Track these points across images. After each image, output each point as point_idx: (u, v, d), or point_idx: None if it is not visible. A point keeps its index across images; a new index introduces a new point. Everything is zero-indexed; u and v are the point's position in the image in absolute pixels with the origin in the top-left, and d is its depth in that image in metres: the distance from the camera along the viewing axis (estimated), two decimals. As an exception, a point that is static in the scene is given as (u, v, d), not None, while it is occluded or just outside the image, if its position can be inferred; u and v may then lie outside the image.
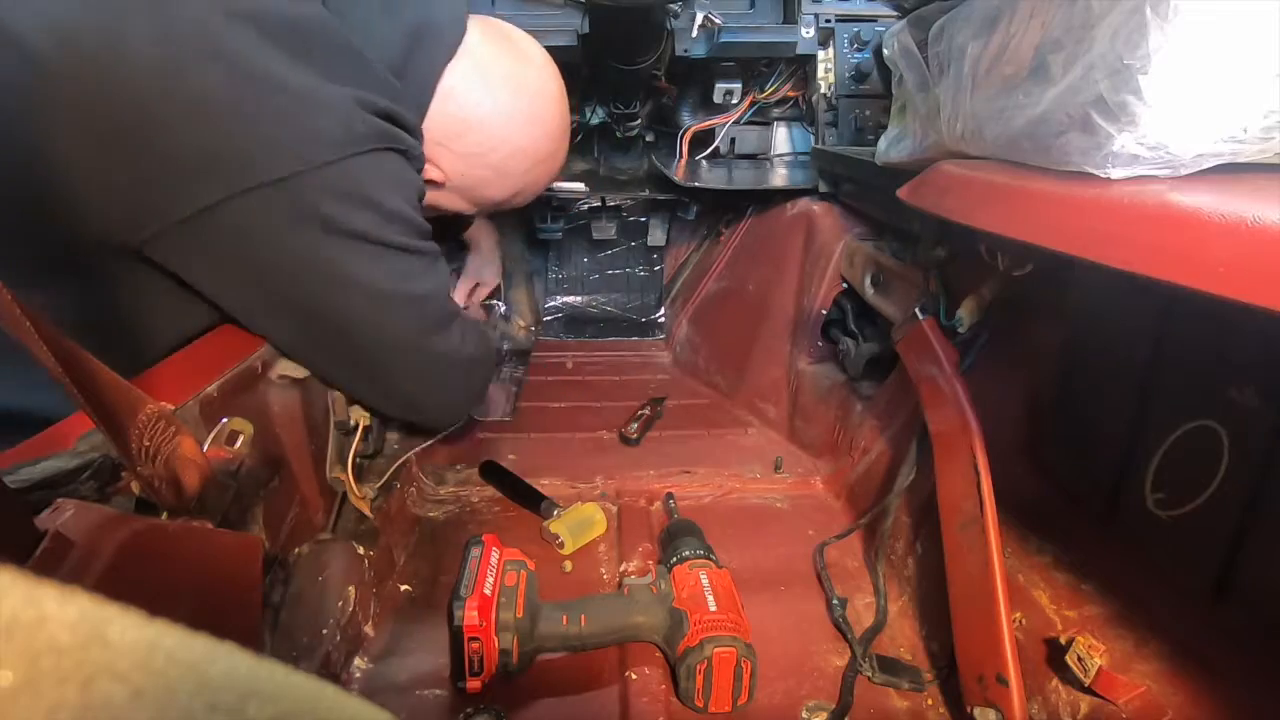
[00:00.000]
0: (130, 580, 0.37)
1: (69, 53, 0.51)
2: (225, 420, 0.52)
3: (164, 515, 0.44)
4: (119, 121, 0.52)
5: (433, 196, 0.75)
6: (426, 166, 0.71)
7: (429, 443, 0.92)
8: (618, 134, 1.29)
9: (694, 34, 1.05)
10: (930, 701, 0.65)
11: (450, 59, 0.69)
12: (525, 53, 0.75)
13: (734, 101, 1.22)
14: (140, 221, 0.55)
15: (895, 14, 0.72)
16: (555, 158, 0.81)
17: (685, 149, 1.26)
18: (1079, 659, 0.52)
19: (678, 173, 1.20)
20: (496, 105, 0.72)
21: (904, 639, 0.72)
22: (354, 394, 0.73)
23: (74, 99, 0.52)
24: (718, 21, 1.04)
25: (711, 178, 1.20)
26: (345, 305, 0.63)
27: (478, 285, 1.19)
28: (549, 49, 1.03)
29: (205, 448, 0.49)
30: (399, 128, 0.63)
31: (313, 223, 0.58)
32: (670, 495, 0.90)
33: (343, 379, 0.71)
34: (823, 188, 1.12)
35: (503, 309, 1.43)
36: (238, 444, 0.52)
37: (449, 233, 1.10)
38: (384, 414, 0.78)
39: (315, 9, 0.60)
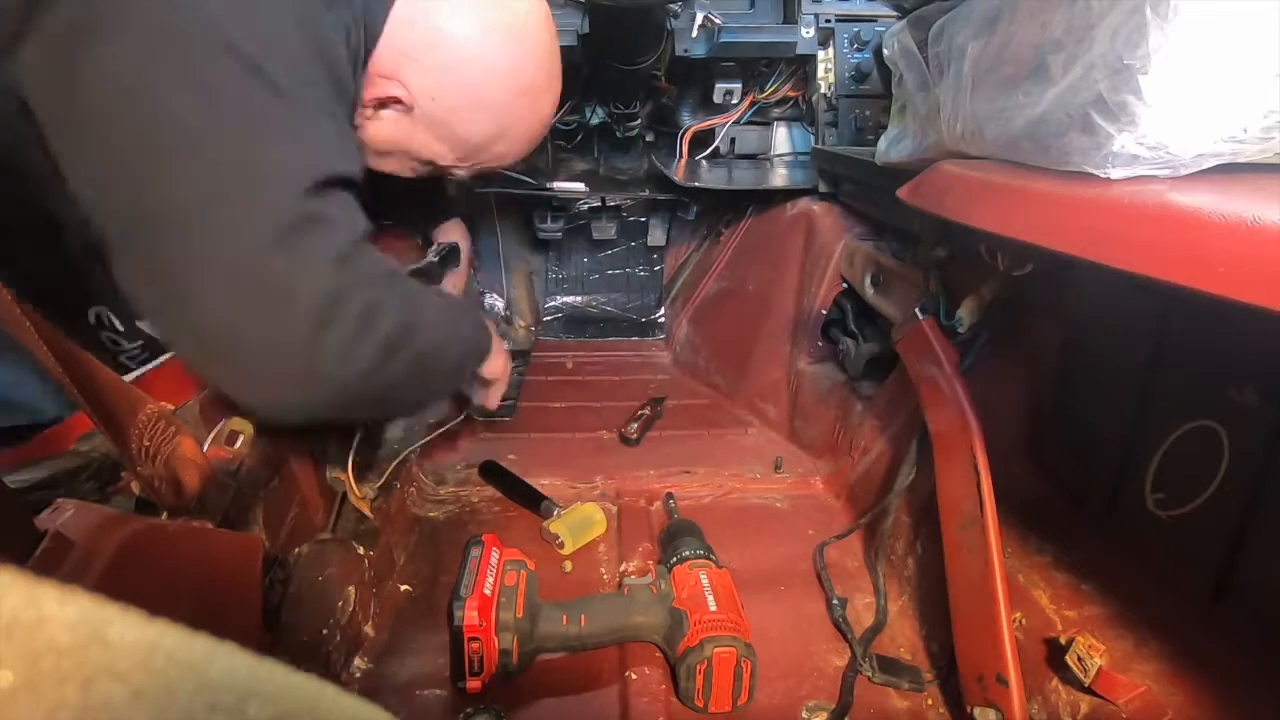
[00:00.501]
0: (130, 580, 0.37)
1: None
2: (225, 420, 0.52)
3: (164, 515, 0.44)
4: None
5: (403, 134, 0.65)
6: (388, 83, 0.62)
7: (428, 438, 0.92)
8: (618, 134, 1.29)
9: (694, 34, 1.05)
10: (930, 701, 0.65)
11: None
12: None
13: (734, 101, 1.22)
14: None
15: (895, 14, 0.72)
16: (541, 93, 0.68)
17: (685, 149, 1.26)
18: (1079, 659, 0.52)
19: (678, 173, 1.20)
20: (473, 14, 0.62)
21: (904, 639, 0.72)
22: (149, 318, 0.53)
23: None
24: (718, 21, 1.04)
25: (711, 178, 1.20)
26: (149, 134, 0.45)
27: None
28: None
29: (205, 447, 0.49)
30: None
31: (133, 15, 0.44)
32: (670, 495, 0.90)
33: (147, 292, 0.47)
34: (823, 188, 1.12)
35: (503, 309, 1.43)
36: (238, 444, 0.52)
37: (421, 229, 1.05)
38: (183, 359, 0.53)
39: None
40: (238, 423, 0.53)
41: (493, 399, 0.84)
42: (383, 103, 0.63)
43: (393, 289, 0.54)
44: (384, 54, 0.60)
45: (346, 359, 0.50)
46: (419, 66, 0.62)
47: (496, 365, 0.78)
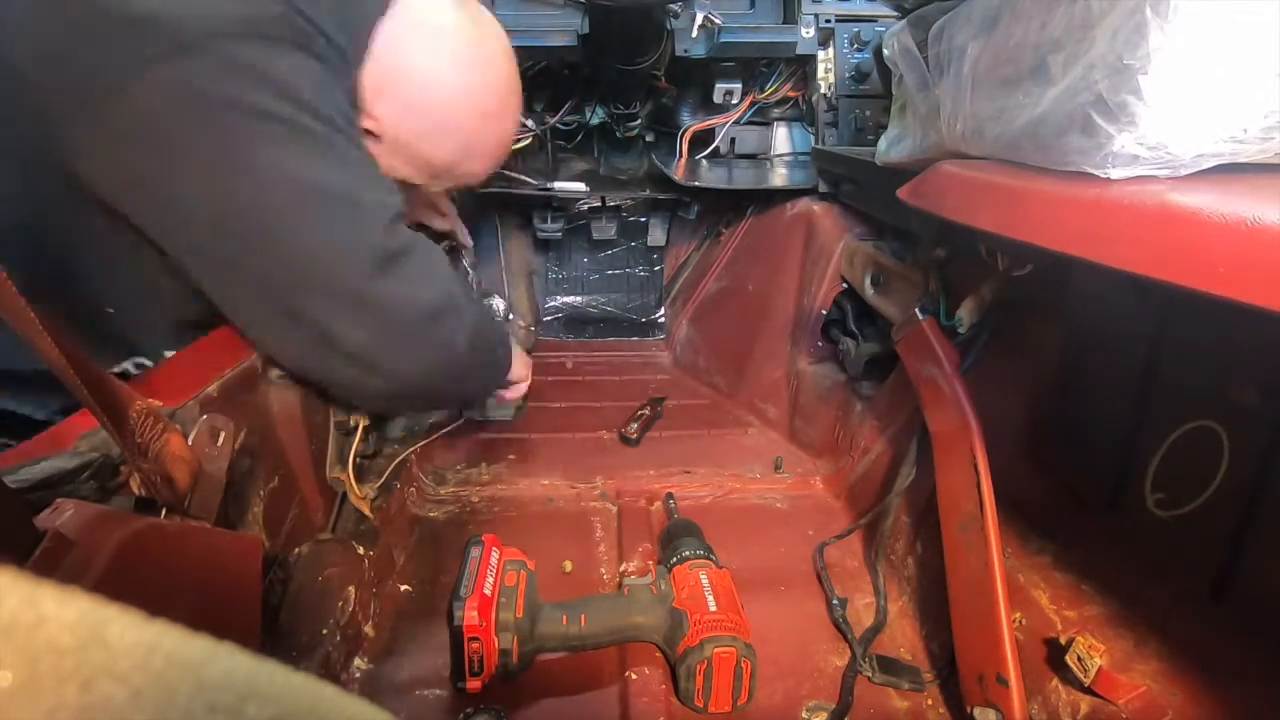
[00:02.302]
0: (130, 580, 0.37)
1: None
2: (205, 417, 0.52)
3: (162, 513, 0.45)
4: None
5: (377, 159, 0.69)
6: (362, 117, 0.66)
7: (429, 439, 0.92)
8: (618, 134, 1.29)
9: (694, 34, 1.05)
10: (930, 701, 0.65)
11: (386, 9, 0.65)
12: (469, 9, 0.71)
13: (734, 101, 1.22)
14: (65, 117, 0.52)
15: (895, 14, 0.72)
16: (502, 115, 0.74)
17: (685, 149, 1.26)
18: (1079, 659, 0.52)
19: (678, 172, 1.20)
20: (434, 49, 0.67)
21: (904, 639, 0.72)
22: (283, 358, 0.63)
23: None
24: (718, 21, 1.04)
25: (711, 177, 1.20)
26: (256, 202, 0.53)
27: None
28: (549, 49, 1.04)
29: (189, 444, 0.49)
30: (321, 37, 0.58)
31: (215, 100, 0.52)
32: (670, 495, 0.90)
33: (262, 323, 0.58)
34: (823, 188, 1.12)
35: (503, 308, 1.43)
36: (220, 440, 0.52)
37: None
38: (327, 387, 0.67)
39: None
40: (215, 419, 0.53)
41: (513, 394, 0.90)
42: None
43: (466, 290, 0.67)
44: (359, 91, 0.65)
45: (451, 346, 0.64)
46: (386, 100, 0.66)
47: (519, 366, 0.85)
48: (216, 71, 0.53)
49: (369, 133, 0.68)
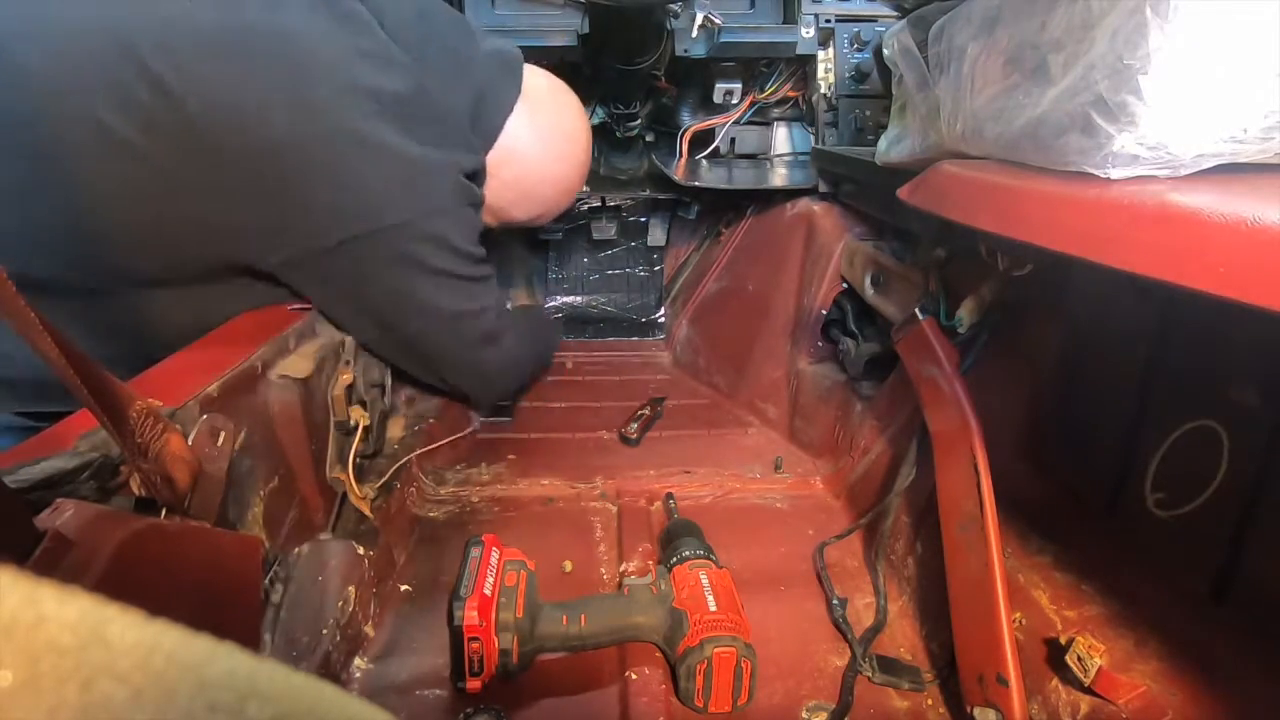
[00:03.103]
0: (130, 580, 0.37)
1: (214, 110, 0.63)
2: (205, 417, 0.52)
3: (162, 513, 0.45)
4: (256, 174, 0.65)
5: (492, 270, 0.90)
6: None
7: (434, 447, 0.93)
8: (618, 134, 1.29)
9: (694, 34, 1.05)
10: (930, 701, 0.65)
11: (510, 113, 0.83)
12: (566, 103, 0.92)
13: (734, 101, 1.22)
14: (272, 251, 0.70)
15: (895, 14, 0.72)
16: (573, 190, 0.97)
17: (685, 149, 1.26)
18: (1079, 659, 0.52)
19: (678, 172, 1.20)
20: (538, 145, 0.87)
21: (904, 639, 0.72)
22: (426, 380, 0.91)
23: (213, 147, 0.63)
24: (718, 21, 1.04)
25: (711, 177, 1.20)
26: (421, 322, 0.79)
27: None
28: (549, 49, 1.04)
29: (189, 444, 0.49)
30: (477, 184, 0.79)
31: (407, 261, 0.73)
32: (670, 495, 0.90)
33: (417, 374, 0.89)
34: (823, 188, 1.12)
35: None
36: (220, 440, 0.53)
37: None
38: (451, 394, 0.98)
39: (413, 82, 0.71)
40: (215, 419, 0.53)
41: None
42: None
43: (536, 340, 1.11)
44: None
45: (524, 380, 1.10)
46: (493, 179, 0.85)
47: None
48: (412, 238, 0.72)
49: None
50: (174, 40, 0.62)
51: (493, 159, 0.83)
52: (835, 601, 0.75)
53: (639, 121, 1.25)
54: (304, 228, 0.69)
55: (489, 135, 0.82)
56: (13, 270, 0.30)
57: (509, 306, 1.44)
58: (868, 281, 0.93)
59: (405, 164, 0.69)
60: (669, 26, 1.03)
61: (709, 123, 1.25)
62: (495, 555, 0.69)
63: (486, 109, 0.81)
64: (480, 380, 0.92)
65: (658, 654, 0.67)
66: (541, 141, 0.87)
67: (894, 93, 0.70)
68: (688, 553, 0.73)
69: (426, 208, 0.72)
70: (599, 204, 1.32)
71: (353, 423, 0.75)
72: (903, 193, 0.63)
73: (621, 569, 0.80)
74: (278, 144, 0.64)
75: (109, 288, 0.70)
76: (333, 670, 0.63)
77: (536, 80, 0.88)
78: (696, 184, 1.17)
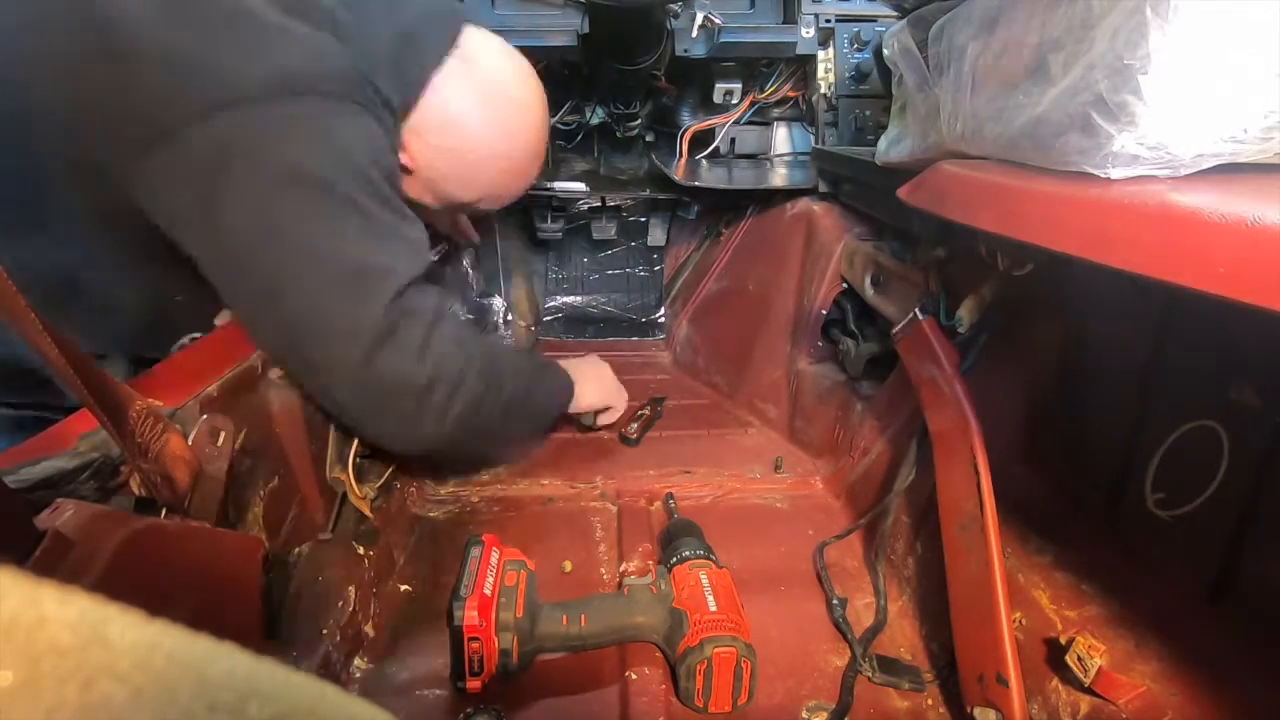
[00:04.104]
0: (130, 580, 0.37)
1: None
2: (205, 417, 0.52)
3: (163, 514, 0.45)
4: (106, 57, 0.55)
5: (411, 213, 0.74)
6: (400, 151, 0.72)
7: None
8: (618, 134, 1.29)
9: (694, 34, 1.05)
10: (930, 701, 0.65)
11: (439, 64, 0.72)
12: (517, 70, 0.79)
13: (734, 101, 1.22)
14: (118, 144, 0.57)
15: (895, 14, 0.72)
16: (525, 173, 0.84)
17: (685, 149, 1.26)
18: (1079, 659, 0.52)
19: (678, 172, 1.20)
20: (478, 111, 0.75)
21: (904, 639, 0.72)
22: (300, 381, 0.66)
23: (66, 36, 0.55)
24: (718, 21, 1.04)
25: (711, 177, 1.20)
26: (278, 258, 0.57)
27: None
28: (549, 49, 1.04)
29: (189, 444, 0.50)
30: (392, 116, 0.66)
31: (262, 157, 0.56)
32: (670, 495, 0.90)
33: (281, 359, 0.64)
34: (823, 188, 1.12)
35: (503, 308, 1.43)
36: (220, 440, 0.53)
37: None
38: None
39: None
40: (216, 419, 0.53)
41: (607, 419, 1.06)
42: None
43: (473, 356, 0.69)
44: (403, 128, 0.71)
45: (444, 419, 0.66)
46: (423, 142, 0.74)
47: (590, 399, 0.98)
48: (277, 123, 0.56)
49: (401, 166, 0.73)
50: None
51: (421, 117, 0.72)
52: (835, 601, 0.75)
53: (639, 121, 1.26)
54: (146, 108, 0.55)
55: (408, 81, 0.69)
56: None
57: (510, 317, 1.41)
58: (868, 281, 0.93)
59: (269, 30, 0.57)
60: (669, 26, 1.03)
61: (709, 123, 1.25)
62: (495, 555, 0.69)
63: (409, 52, 0.69)
64: (368, 393, 0.63)
65: (658, 654, 0.67)
66: (481, 108, 0.75)
67: (894, 93, 0.70)
68: (688, 553, 0.73)
69: (290, 82, 0.56)
70: (599, 204, 1.32)
71: (353, 423, 0.74)
72: (903, 193, 0.63)
73: (621, 569, 0.80)
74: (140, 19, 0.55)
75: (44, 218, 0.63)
76: (333, 670, 0.63)
77: (486, 43, 0.77)
78: (696, 184, 1.17)
